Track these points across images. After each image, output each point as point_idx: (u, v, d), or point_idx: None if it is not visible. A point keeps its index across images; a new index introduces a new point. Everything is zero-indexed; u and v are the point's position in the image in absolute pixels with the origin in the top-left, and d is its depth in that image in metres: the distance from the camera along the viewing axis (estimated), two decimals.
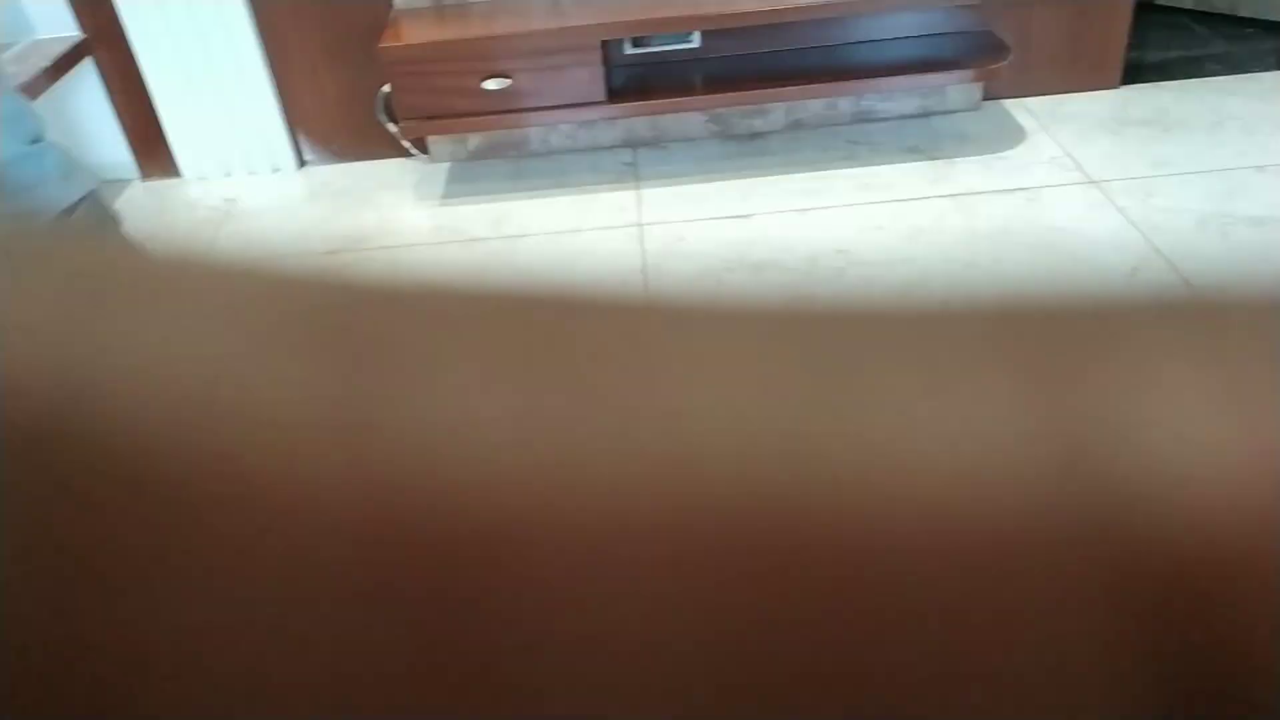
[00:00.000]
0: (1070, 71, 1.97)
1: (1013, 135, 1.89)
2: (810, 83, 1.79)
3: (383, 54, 1.72)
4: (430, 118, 1.79)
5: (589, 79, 1.72)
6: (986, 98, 1.98)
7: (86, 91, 1.92)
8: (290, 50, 1.88)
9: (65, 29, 1.85)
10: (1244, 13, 2.17)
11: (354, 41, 1.87)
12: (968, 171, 1.80)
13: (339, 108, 1.95)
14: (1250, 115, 1.87)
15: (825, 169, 1.84)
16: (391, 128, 1.93)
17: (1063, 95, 1.98)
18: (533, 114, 1.79)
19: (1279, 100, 1.92)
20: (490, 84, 1.75)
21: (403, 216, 1.86)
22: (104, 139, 1.98)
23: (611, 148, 1.96)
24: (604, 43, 1.70)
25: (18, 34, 1.84)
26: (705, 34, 1.83)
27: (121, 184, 2.02)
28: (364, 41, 1.85)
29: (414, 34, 1.75)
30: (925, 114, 1.96)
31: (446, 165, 1.98)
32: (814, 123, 1.97)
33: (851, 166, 1.84)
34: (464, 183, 1.93)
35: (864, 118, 1.97)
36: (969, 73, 1.80)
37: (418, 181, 1.94)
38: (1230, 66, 2.03)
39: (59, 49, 1.81)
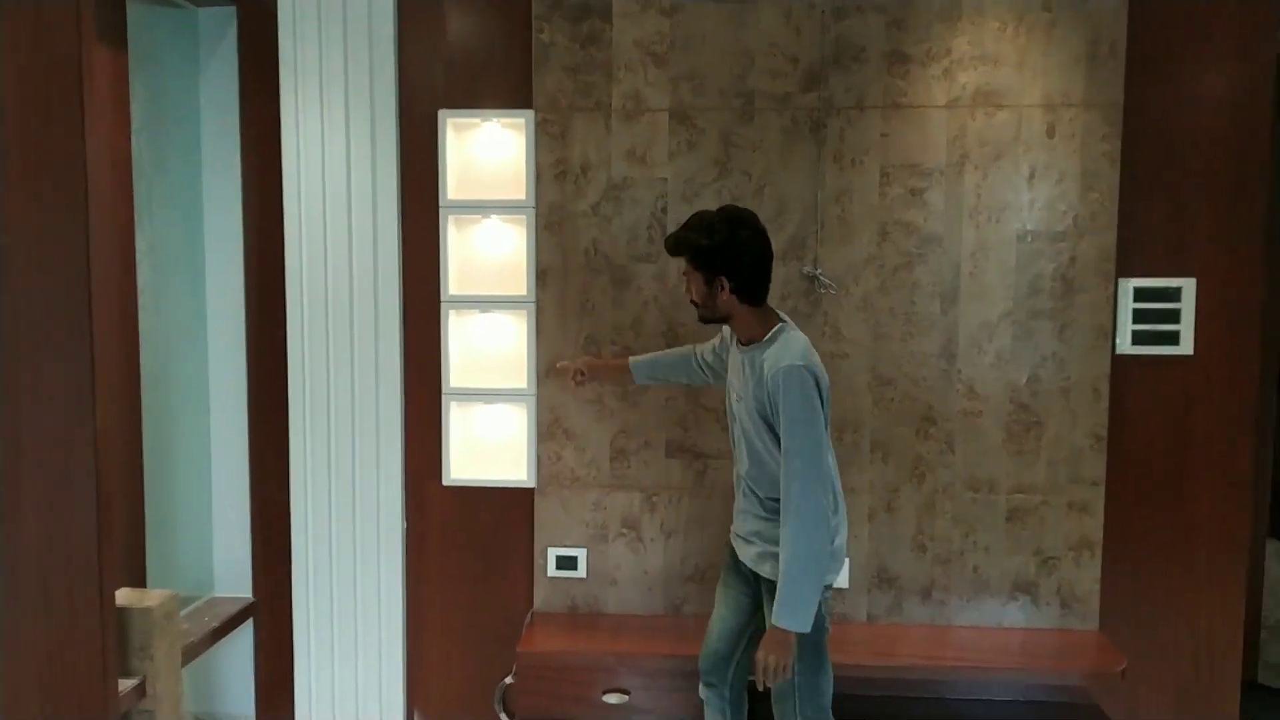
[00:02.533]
0: None
1: None
2: None
3: (519, 657, 1.85)
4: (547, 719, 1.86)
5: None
6: None
7: (236, 648, 2.08)
8: (429, 633, 2.04)
9: (240, 589, 2.07)
10: None
11: (490, 634, 2.02)
12: None
13: (458, 693, 2.05)
14: None
15: None
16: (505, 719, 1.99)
17: None
18: None
19: None
20: (610, 698, 1.84)
21: None
22: (235, 691, 2.09)
23: None
24: None
25: (201, 589, 2.06)
26: None
27: None
28: (498, 635, 2.01)
29: (548, 640, 1.89)
30: None
31: None
32: None
33: None
34: None
35: None
36: None
37: None
38: None
39: (230, 609, 2.00)
